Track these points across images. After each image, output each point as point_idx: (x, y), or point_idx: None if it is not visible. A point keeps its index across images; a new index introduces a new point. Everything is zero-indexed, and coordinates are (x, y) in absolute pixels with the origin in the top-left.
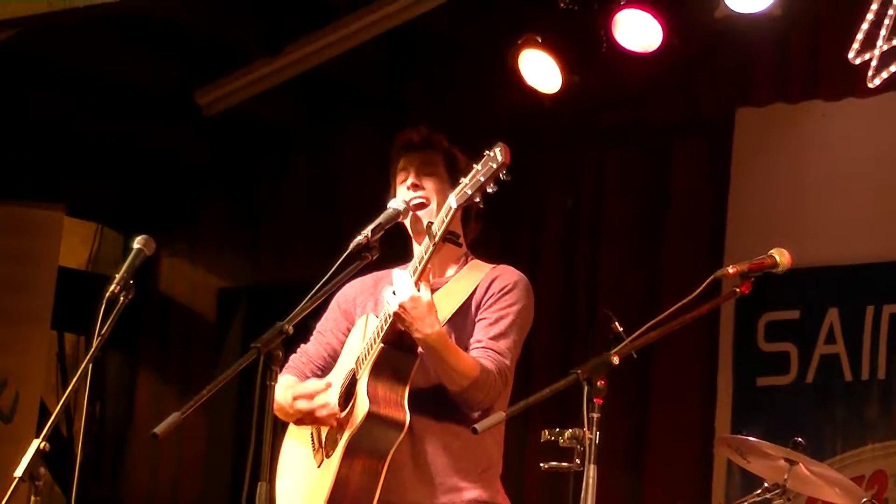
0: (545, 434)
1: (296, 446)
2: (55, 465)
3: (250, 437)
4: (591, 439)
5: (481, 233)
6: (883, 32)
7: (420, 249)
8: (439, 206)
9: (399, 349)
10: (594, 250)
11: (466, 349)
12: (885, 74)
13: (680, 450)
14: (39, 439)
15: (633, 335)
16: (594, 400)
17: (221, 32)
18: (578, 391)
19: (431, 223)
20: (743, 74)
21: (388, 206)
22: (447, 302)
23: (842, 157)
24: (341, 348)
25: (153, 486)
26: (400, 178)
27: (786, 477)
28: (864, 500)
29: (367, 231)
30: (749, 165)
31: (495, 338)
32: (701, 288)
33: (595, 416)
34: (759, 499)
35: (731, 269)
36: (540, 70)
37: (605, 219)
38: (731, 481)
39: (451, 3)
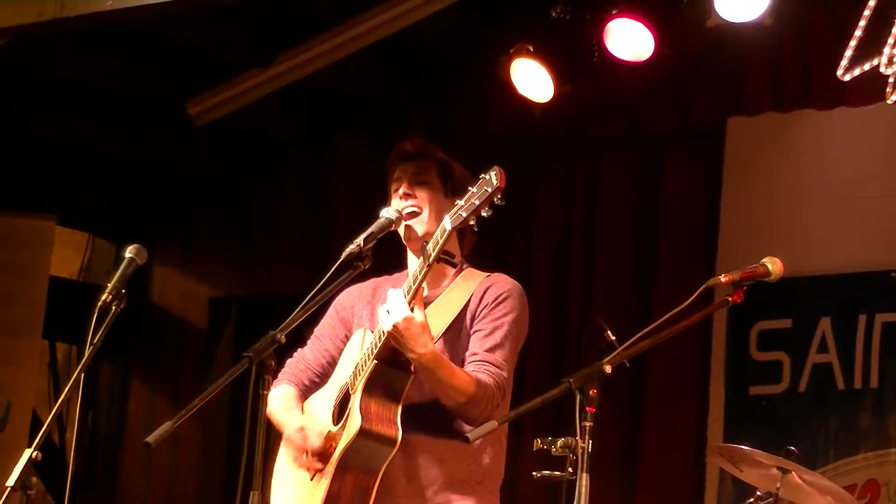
0: (538, 443)
1: (289, 458)
2: (47, 474)
3: (243, 447)
4: (583, 448)
5: (476, 242)
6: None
7: (414, 269)
8: (431, 216)
9: (393, 366)
10: (587, 259)
11: (462, 361)
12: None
13: (672, 458)
14: (31, 449)
15: (626, 344)
16: (586, 409)
17: (214, 43)
18: (571, 400)
19: (426, 243)
20: (735, 83)
21: (381, 215)
22: (441, 314)
23: (834, 166)
24: (339, 355)
25: (146, 495)
26: (394, 187)
27: (778, 486)
28: None
29: (360, 240)
30: (741, 174)
31: (491, 350)
32: (693, 297)
33: (587, 424)
34: None
35: (723, 278)
36: (532, 79)
37: (598, 227)
38: (724, 490)
39: (444, 12)
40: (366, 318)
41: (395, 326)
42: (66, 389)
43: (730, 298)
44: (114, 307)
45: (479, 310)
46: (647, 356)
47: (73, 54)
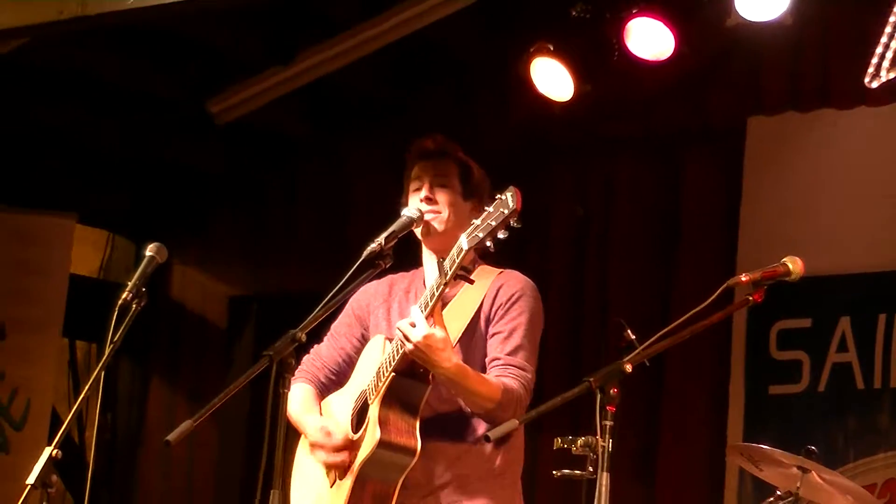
0: (558, 442)
1: (308, 461)
2: (67, 472)
3: (262, 445)
4: (603, 447)
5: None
6: None
7: (431, 285)
8: (451, 216)
9: (411, 377)
10: (605, 258)
11: (479, 361)
12: None
13: (692, 458)
14: (51, 447)
15: (646, 343)
16: (607, 408)
17: (233, 42)
18: (591, 399)
19: (443, 259)
20: (755, 83)
21: (402, 213)
22: (457, 318)
23: (853, 166)
24: (355, 354)
25: (165, 493)
26: (413, 185)
27: (798, 485)
28: None
29: (381, 239)
30: (761, 174)
31: (513, 352)
32: (714, 296)
33: (608, 423)
34: None
35: (743, 278)
36: (552, 78)
37: (616, 227)
38: (744, 489)
39: (463, 12)
40: (382, 317)
41: (416, 346)
42: (86, 388)
43: (750, 298)
44: (134, 305)
45: (493, 311)
46: (667, 355)
47: (94, 53)
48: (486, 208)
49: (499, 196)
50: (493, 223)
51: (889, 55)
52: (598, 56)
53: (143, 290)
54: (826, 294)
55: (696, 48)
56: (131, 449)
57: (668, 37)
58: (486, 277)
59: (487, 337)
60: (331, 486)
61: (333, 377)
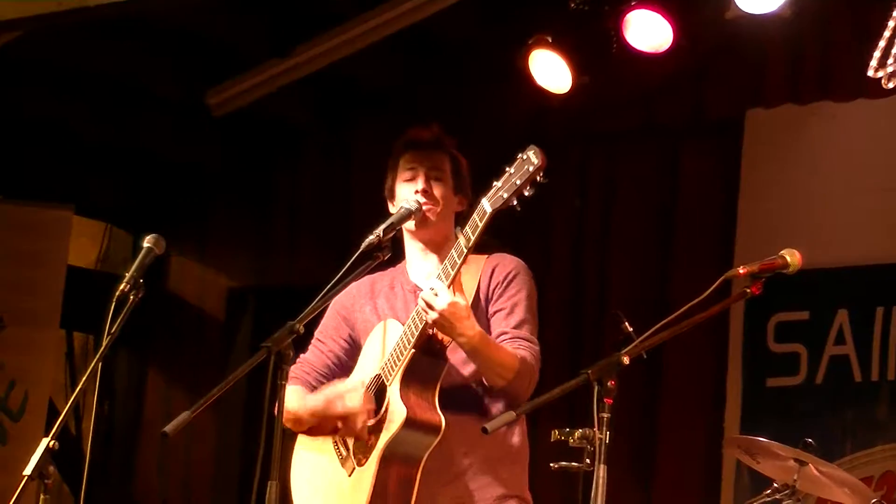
0: (555, 434)
1: (314, 456)
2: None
3: (260, 437)
4: (601, 439)
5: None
6: None
7: (452, 255)
8: (443, 209)
9: (429, 354)
10: (603, 250)
11: None
12: None
13: (689, 450)
14: (49, 438)
15: (644, 335)
16: (604, 400)
17: (232, 33)
18: (588, 391)
19: (460, 228)
20: (753, 75)
21: (401, 206)
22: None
23: (852, 159)
24: (344, 355)
25: (162, 484)
26: (405, 175)
27: (795, 478)
28: (874, 500)
29: (379, 231)
30: (759, 166)
31: (518, 326)
32: (711, 289)
33: (605, 416)
34: (769, 499)
35: (741, 270)
36: (550, 70)
37: (615, 219)
38: (741, 482)
39: (462, 3)
40: (370, 313)
41: (441, 314)
42: (83, 379)
43: (748, 290)
44: (131, 297)
45: (491, 290)
46: (665, 348)
47: (92, 45)
48: (506, 168)
49: (520, 155)
50: (518, 181)
51: None
52: (596, 48)
53: (141, 281)
54: (824, 287)
55: (694, 41)
56: (129, 440)
57: (667, 29)
58: (476, 263)
59: (489, 316)
60: (349, 475)
61: (324, 380)
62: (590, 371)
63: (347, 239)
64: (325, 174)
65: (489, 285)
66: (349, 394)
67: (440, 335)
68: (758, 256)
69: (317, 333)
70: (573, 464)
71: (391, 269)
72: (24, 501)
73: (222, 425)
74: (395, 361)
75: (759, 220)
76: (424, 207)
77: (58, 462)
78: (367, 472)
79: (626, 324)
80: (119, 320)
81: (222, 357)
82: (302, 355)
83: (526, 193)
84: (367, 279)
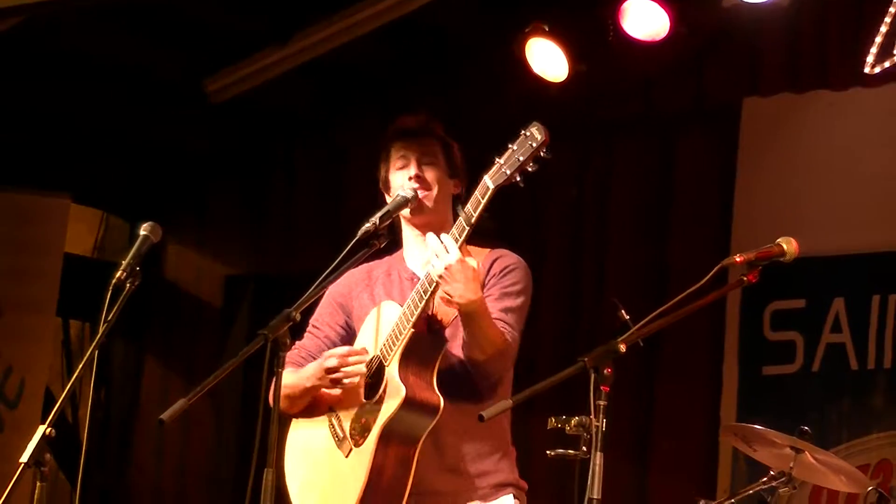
0: (551, 421)
1: (308, 438)
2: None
3: (256, 424)
4: (597, 427)
5: (488, 223)
6: None
7: (452, 231)
8: (438, 193)
9: (428, 334)
10: (601, 239)
11: None
12: None
13: (686, 438)
14: (45, 425)
15: (640, 323)
16: (601, 388)
17: (231, 20)
18: (585, 379)
19: (462, 207)
20: (750, 64)
21: (397, 193)
22: None
23: (849, 147)
24: (340, 341)
25: (159, 472)
26: (397, 163)
27: (791, 465)
28: (870, 488)
29: (376, 218)
30: (756, 154)
31: (505, 311)
32: (708, 277)
33: (602, 403)
34: (765, 487)
35: (738, 258)
36: (547, 59)
37: (612, 207)
38: (737, 469)
39: None
40: (367, 300)
41: (448, 268)
42: (80, 367)
43: (745, 278)
44: (128, 285)
45: (488, 278)
46: (661, 336)
47: (90, 32)
48: (510, 146)
49: (523, 132)
50: (521, 157)
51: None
52: (593, 37)
53: (138, 269)
54: (820, 275)
55: (691, 29)
56: (125, 428)
57: (664, 17)
58: (478, 255)
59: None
60: (346, 457)
61: None
62: (586, 359)
63: (344, 227)
64: (322, 162)
65: (487, 274)
66: (342, 349)
67: (440, 315)
68: (754, 244)
69: (312, 321)
70: (570, 451)
71: (388, 258)
72: (20, 489)
73: (219, 412)
74: (393, 341)
75: (756, 209)
76: (420, 194)
77: (54, 449)
78: (365, 451)
79: (623, 311)
80: (116, 308)
81: (219, 345)
82: (298, 342)
83: (529, 169)
84: (363, 267)
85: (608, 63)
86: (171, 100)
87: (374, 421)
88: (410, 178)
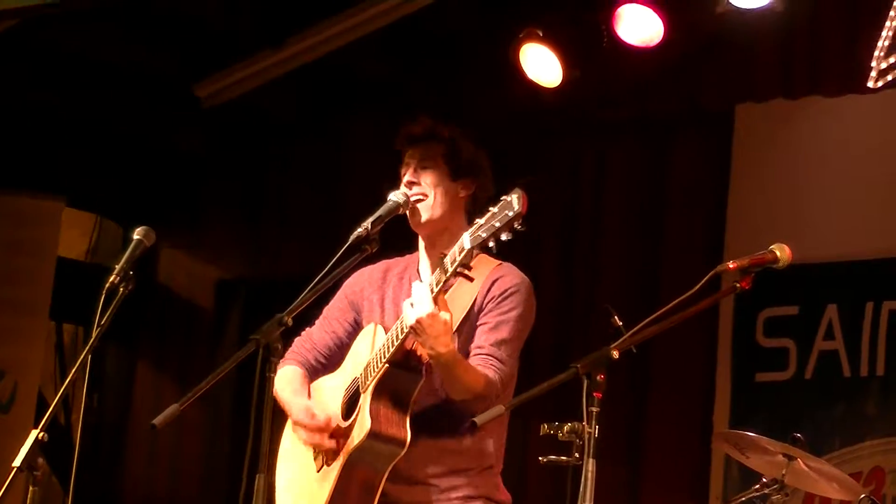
0: (544, 428)
1: (295, 447)
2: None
3: (249, 429)
4: (590, 433)
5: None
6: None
7: (431, 280)
8: (437, 199)
9: (404, 369)
10: (594, 244)
11: (468, 354)
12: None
13: (678, 445)
14: (38, 430)
15: (633, 330)
16: (593, 394)
17: (224, 23)
18: (578, 385)
19: (444, 254)
20: (744, 69)
21: (388, 198)
22: (455, 309)
23: (842, 153)
24: (347, 338)
25: (151, 476)
26: (403, 171)
27: (784, 472)
28: (862, 496)
29: (367, 223)
30: (749, 160)
31: (497, 344)
32: (701, 283)
33: (594, 410)
34: (758, 494)
35: (731, 265)
36: (541, 64)
37: (605, 213)
38: (730, 476)
39: None
40: (376, 303)
41: (419, 321)
42: (73, 371)
43: (738, 285)
44: (121, 289)
45: (485, 303)
46: (654, 342)
47: (85, 35)
48: (490, 208)
49: (504, 198)
50: (497, 224)
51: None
52: (587, 42)
53: (131, 273)
54: (813, 282)
55: (685, 34)
56: (118, 432)
57: (658, 23)
58: (483, 270)
59: (475, 326)
60: (317, 471)
61: (324, 360)
62: (579, 365)
63: (338, 232)
64: (315, 166)
65: (485, 297)
66: (315, 417)
67: (419, 350)
68: (748, 251)
69: (325, 310)
70: (562, 458)
71: (408, 256)
72: (12, 493)
73: (211, 417)
74: (371, 370)
75: (750, 215)
76: (413, 199)
77: (47, 454)
78: (331, 474)
79: (616, 318)
80: (109, 312)
81: (211, 349)
82: (308, 329)
83: (504, 238)
84: (381, 265)
85: (602, 68)
86: (166, 103)
87: (343, 446)
88: (405, 185)
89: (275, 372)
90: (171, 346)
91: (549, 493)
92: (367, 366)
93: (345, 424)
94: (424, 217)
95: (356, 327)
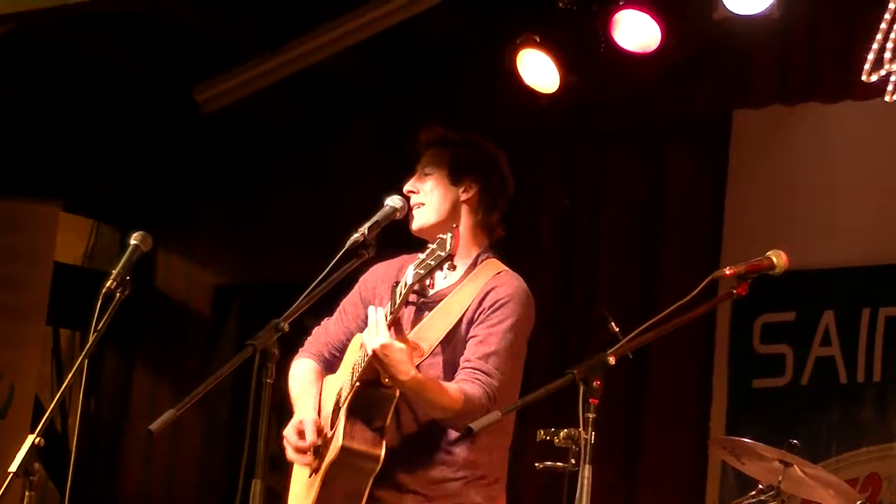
0: (540, 434)
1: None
2: (50, 460)
3: (245, 435)
4: (586, 439)
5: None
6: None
7: (388, 306)
8: (432, 206)
9: (378, 387)
10: (591, 250)
11: (457, 365)
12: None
13: (675, 451)
14: (34, 435)
15: (630, 336)
16: (590, 400)
17: (220, 30)
18: (574, 391)
19: (397, 283)
20: (741, 76)
21: (385, 203)
22: (445, 317)
23: (839, 160)
24: (359, 332)
25: (148, 482)
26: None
27: (780, 479)
28: (859, 502)
29: (364, 228)
30: (746, 167)
31: (484, 357)
32: (698, 289)
33: (590, 416)
34: (754, 500)
35: (728, 271)
36: (538, 70)
37: (602, 219)
38: (726, 483)
39: (451, 2)
40: (387, 301)
41: (374, 353)
42: (70, 376)
43: (735, 291)
44: (118, 294)
45: (476, 314)
46: (651, 348)
47: (80, 39)
48: (430, 245)
49: (440, 236)
50: (432, 263)
51: (889, 46)
52: (584, 48)
53: (128, 278)
54: (810, 288)
55: (682, 41)
56: (114, 437)
57: (655, 29)
58: (482, 278)
59: (467, 339)
60: (309, 476)
61: (337, 354)
62: (576, 371)
63: (334, 237)
64: (312, 172)
65: (478, 308)
66: (302, 435)
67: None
68: (744, 257)
69: (343, 303)
70: (558, 464)
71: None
72: (9, 498)
73: (208, 422)
74: (345, 387)
75: (746, 221)
76: (411, 203)
77: (44, 459)
78: (316, 481)
79: (613, 323)
80: (105, 317)
81: (208, 354)
82: (326, 320)
83: (440, 274)
84: (398, 260)
85: (599, 74)
86: (162, 109)
87: (325, 456)
88: (405, 193)
89: (271, 378)
90: (168, 352)
91: (545, 500)
92: (348, 378)
93: (330, 434)
94: (418, 224)
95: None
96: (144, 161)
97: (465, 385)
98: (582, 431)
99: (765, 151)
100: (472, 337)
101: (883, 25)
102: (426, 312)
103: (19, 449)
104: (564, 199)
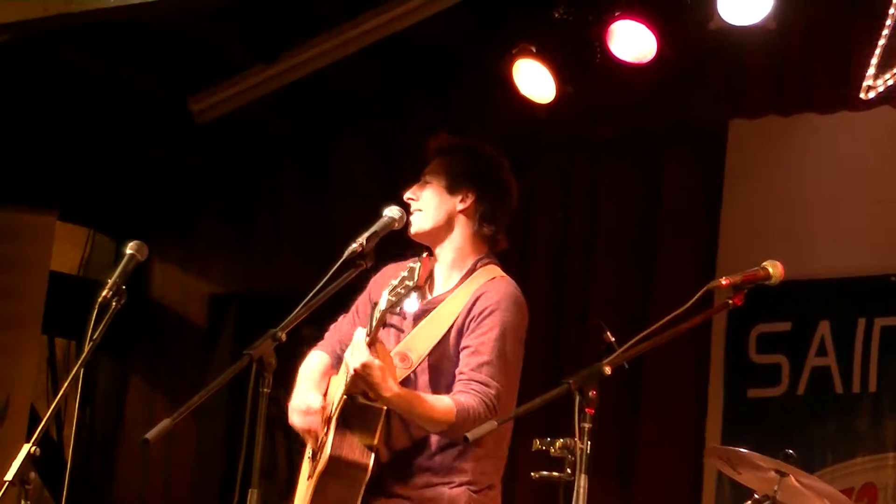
0: (536, 443)
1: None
2: (45, 469)
3: (241, 444)
4: (581, 449)
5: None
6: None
7: (369, 326)
8: (429, 213)
9: (365, 398)
10: (586, 260)
11: (451, 374)
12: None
13: (670, 460)
14: (30, 444)
15: (625, 345)
16: (585, 410)
17: (217, 40)
18: (570, 401)
19: (376, 303)
20: (736, 86)
21: (384, 213)
22: (435, 327)
23: (834, 170)
24: None
25: (143, 491)
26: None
27: (776, 488)
28: None
29: (362, 239)
30: (742, 177)
31: (477, 367)
32: (694, 299)
33: (586, 426)
34: None
35: (724, 281)
36: (534, 80)
37: (598, 229)
38: (721, 492)
39: (447, 12)
40: None
41: (355, 371)
42: (65, 385)
43: (730, 301)
44: (114, 303)
45: (466, 323)
46: (646, 358)
47: (77, 50)
48: (402, 273)
49: (410, 265)
50: (402, 291)
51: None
52: (580, 58)
53: (123, 287)
54: (806, 298)
55: (678, 51)
56: (110, 447)
57: (651, 39)
58: (476, 283)
59: (459, 349)
60: (308, 478)
61: None
62: (571, 381)
63: (330, 246)
64: (308, 181)
65: (467, 316)
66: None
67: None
68: (740, 267)
69: (356, 301)
70: (554, 473)
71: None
72: None
73: (203, 432)
74: (337, 398)
75: (742, 231)
76: (410, 209)
77: (39, 468)
78: (310, 487)
79: (608, 333)
80: (101, 326)
81: (204, 363)
82: (342, 316)
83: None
84: (410, 261)
85: (595, 84)
86: (160, 119)
87: (319, 461)
88: (405, 201)
89: (268, 387)
90: (163, 361)
91: None
92: (340, 385)
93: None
94: (413, 230)
95: None
96: (140, 170)
97: (460, 396)
98: (578, 441)
99: (760, 161)
100: (464, 347)
101: (882, 41)
102: (423, 318)
103: (15, 457)
104: (558, 212)
